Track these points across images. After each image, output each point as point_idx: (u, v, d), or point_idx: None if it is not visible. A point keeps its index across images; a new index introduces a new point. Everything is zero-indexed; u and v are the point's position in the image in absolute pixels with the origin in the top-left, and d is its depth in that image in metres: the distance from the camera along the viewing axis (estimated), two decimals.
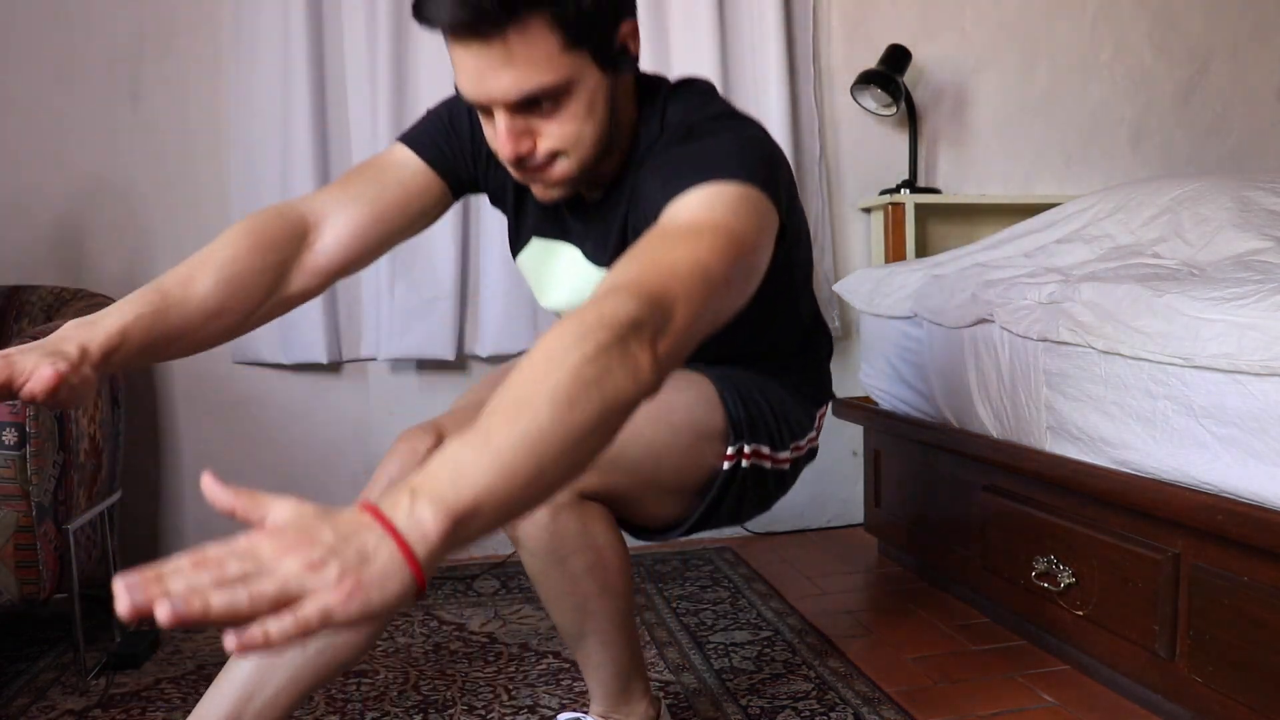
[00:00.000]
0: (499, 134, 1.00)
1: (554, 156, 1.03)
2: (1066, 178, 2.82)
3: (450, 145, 1.18)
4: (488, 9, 0.91)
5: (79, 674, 1.68)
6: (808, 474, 2.67)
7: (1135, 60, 2.85)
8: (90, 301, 1.96)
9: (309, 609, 0.56)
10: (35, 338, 1.62)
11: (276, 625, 0.55)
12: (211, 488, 0.61)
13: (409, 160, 1.17)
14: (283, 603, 0.56)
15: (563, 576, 1.12)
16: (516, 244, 1.28)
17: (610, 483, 1.11)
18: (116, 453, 1.98)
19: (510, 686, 1.62)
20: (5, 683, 1.68)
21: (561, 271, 1.22)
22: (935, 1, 2.70)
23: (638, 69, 1.10)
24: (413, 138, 1.20)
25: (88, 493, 1.80)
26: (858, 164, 2.67)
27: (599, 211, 1.15)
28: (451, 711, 1.53)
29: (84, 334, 0.89)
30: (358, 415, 2.41)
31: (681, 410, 1.17)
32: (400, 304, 2.31)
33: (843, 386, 2.63)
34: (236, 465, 2.35)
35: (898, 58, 2.53)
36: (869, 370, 2.30)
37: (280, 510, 0.61)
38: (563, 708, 1.51)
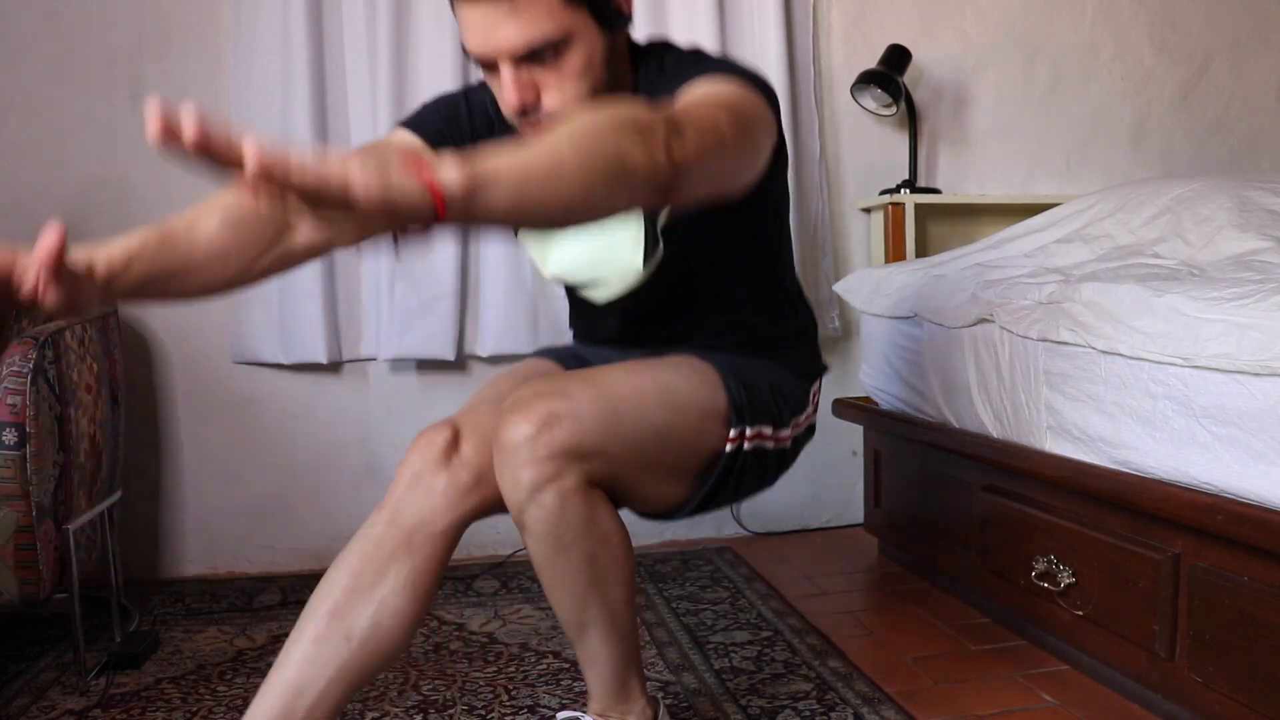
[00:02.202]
0: (504, 86, 1.08)
1: (555, 115, 1.10)
2: (1066, 178, 2.81)
3: (449, 129, 1.24)
4: None
5: (79, 674, 1.68)
6: (808, 474, 2.67)
7: (1135, 60, 2.85)
8: None
9: (332, 165, 0.61)
10: (36, 338, 1.62)
11: (297, 160, 0.60)
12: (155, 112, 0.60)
13: (410, 141, 1.22)
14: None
15: (567, 564, 1.13)
16: None
17: (618, 465, 1.13)
18: (116, 453, 1.98)
19: (510, 686, 1.62)
20: (5, 683, 1.68)
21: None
22: (935, 1, 2.70)
23: (630, 29, 1.19)
24: (413, 121, 1.25)
25: (88, 493, 1.80)
26: (858, 164, 2.67)
27: None
28: (451, 711, 1.53)
29: (89, 251, 0.91)
30: (358, 415, 2.41)
31: (685, 393, 1.20)
32: (400, 304, 2.31)
33: (843, 387, 2.63)
34: (236, 465, 2.35)
35: (898, 58, 2.53)
36: (869, 370, 2.30)
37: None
38: (562, 707, 1.51)
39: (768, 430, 1.27)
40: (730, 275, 1.32)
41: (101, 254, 0.91)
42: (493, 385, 1.34)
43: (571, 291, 1.42)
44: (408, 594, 1.11)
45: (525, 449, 1.06)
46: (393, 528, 1.12)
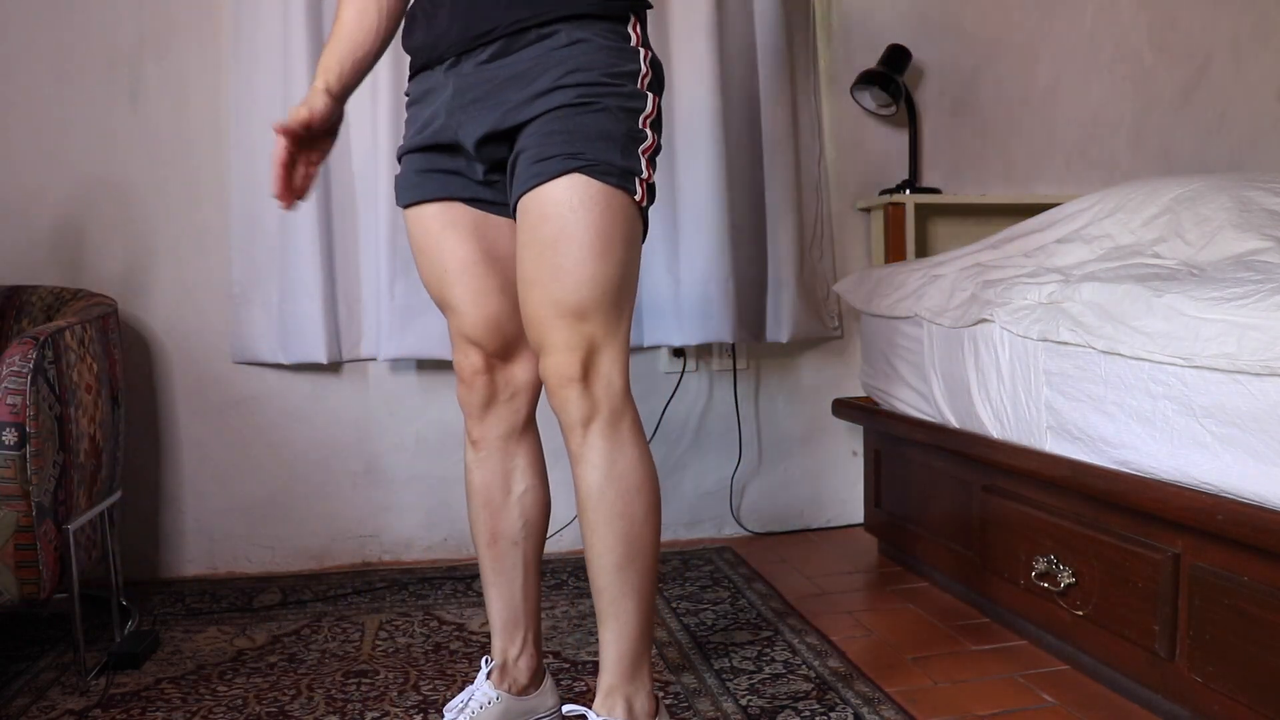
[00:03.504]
0: None
1: None
2: (1066, 178, 2.82)
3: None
4: None
5: (79, 674, 1.68)
6: (808, 474, 2.67)
7: (1135, 60, 2.85)
8: (90, 301, 1.96)
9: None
10: (35, 338, 1.63)
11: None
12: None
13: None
14: None
15: (619, 495, 1.22)
16: None
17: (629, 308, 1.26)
18: (116, 453, 1.99)
19: None
20: (5, 683, 1.68)
21: None
22: (935, 1, 2.70)
23: None
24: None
25: (88, 493, 1.80)
26: (858, 164, 2.67)
27: None
28: None
29: (319, 81, 1.34)
30: (358, 415, 2.41)
31: (610, 219, 1.20)
32: (400, 304, 2.31)
33: (843, 387, 2.64)
34: (236, 465, 2.35)
35: (898, 58, 2.53)
36: (869, 370, 2.30)
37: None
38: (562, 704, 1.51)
39: (644, 164, 1.24)
40: None
41: (324, 88, 1.34)
42: (442, 286, 1.37)
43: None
44: (533, 486, 1.41)
45: (579, 387, 1.20)
46: (483, 446, 1.39)
